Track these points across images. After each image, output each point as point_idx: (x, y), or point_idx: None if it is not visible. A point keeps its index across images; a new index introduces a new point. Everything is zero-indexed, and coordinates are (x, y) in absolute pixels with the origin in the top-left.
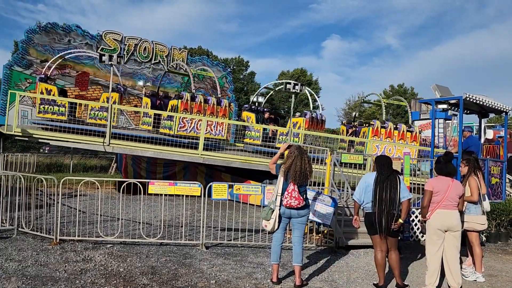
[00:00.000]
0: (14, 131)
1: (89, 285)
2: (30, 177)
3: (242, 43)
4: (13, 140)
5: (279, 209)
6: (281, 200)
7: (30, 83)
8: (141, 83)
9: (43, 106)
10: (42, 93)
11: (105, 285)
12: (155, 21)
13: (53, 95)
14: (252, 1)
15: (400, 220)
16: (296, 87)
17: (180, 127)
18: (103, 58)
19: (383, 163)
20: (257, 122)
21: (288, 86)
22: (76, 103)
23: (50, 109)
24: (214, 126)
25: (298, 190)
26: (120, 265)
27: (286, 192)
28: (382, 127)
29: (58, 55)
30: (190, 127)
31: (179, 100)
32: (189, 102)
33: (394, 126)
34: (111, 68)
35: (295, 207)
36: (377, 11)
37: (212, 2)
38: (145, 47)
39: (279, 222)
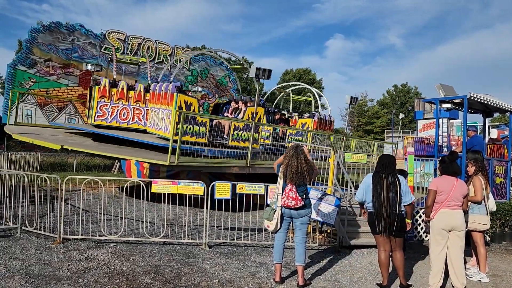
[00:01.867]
0: (179, 162)
1: (92, 284)
2: (34, 176)
3: (245, 43)
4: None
5: (281, 210)
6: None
7: (34, 82)
8: (89, 67)
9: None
10: (180, 107)
11: (108, 284)
12: (158, 21)
13: (193, 110)
14: (255, 1)
15: (408, 220)
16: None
17: (98, 115)
18: (257, 72)
19: (383, 163)
20: (267, 122)
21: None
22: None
23: (190, 129)
24: (143, 116)
25: (296, 190)
26: (123, 264)
27: (284, 192)
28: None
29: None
30: (110, 116)
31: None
32: (107, 88)
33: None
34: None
35: (293, 207)
36: (380, 11)
37: (215, 2)
38: (149, 46)
39: (281, 222)
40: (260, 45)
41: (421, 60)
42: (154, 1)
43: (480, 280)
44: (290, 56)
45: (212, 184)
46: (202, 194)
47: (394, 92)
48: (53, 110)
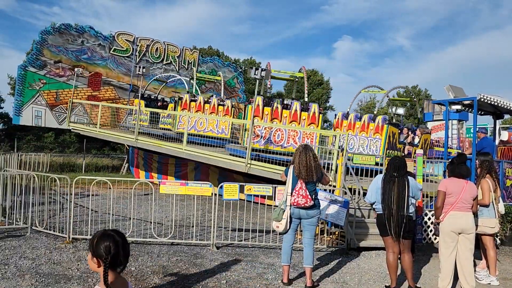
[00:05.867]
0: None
1: None
2: (44, 176)
3: (254, 44)
4: (27, 140)
5: (290, 210)
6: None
7: (44, 83)
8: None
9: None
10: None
11: None
12: (167, 23)
13: (395, 138)
14: (264, 3)
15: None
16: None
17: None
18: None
19: (395, 166)
20: None
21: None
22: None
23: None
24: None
25: (306, 188)
26: (132, 264)
27: (294, 191)
28: (192, 100)
29: None
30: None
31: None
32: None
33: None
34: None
35: (303, 205)
36: (389, 12)
37: (224, 4)
38: (157, 48)
39: (290, 223)
40: (268, 46)
41: (430, 61)
42: (163, 3)
43: (490, 283)
44: (298, 58)
45: (220, 185)
46: (210, 195)
47: (404, 94)
48: (63, 111)
